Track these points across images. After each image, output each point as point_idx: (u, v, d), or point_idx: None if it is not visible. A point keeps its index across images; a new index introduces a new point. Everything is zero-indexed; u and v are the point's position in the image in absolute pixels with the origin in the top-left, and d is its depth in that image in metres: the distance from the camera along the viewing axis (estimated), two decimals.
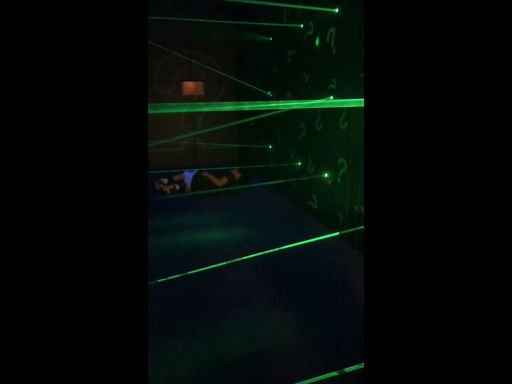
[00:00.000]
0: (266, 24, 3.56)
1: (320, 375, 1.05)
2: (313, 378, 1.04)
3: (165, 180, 3.95)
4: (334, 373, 1.01)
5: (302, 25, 2.96)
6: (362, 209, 2.33)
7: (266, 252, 1.70)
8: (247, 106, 1.01)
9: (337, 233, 2.24)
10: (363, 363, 1.09)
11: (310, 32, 2.83)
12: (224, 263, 1.90)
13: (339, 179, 2.61)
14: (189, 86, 5.31)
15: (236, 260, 2.11)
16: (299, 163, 3.35)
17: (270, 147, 4.17)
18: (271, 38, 3.74)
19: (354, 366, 0.99)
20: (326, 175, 2.81)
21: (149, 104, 0.74)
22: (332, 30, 2.50)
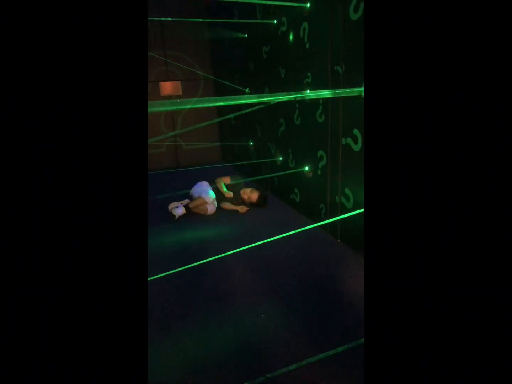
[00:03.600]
0: (240, 21, 3.57)
1: (306, 358, 1.08)
2: (299, 363, 1.07)
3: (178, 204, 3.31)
4: (319, 356, 1.06)
5: (275, 21, 2.99)
6: (343, 199, 2.38)
7: (251, 245, 1.73)
8: (244, 100, 0.99)
9: (321, 223, 2.29)
10: (345, 346, 1.13)
11: (283, 28, 2.86)
12: (210, 259, 1.91)
13: (319, 172, 2.66)
14: (167, 87, 5.26)
15: (221, 255, 2.13)
16: (280, 158, 3.39)
17: (252, 143, 4.19)
18: (246, 35, 3.75)
19: (339, 348, 1.04)
20: (306, 168, 2.85)
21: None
22: (305, 25, 2.53)
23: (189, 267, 1.80)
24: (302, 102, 2.76)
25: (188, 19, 3.85)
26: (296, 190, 3.15)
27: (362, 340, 1.17)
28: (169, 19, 3.53)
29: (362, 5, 1.88)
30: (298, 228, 1.79)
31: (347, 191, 2.33)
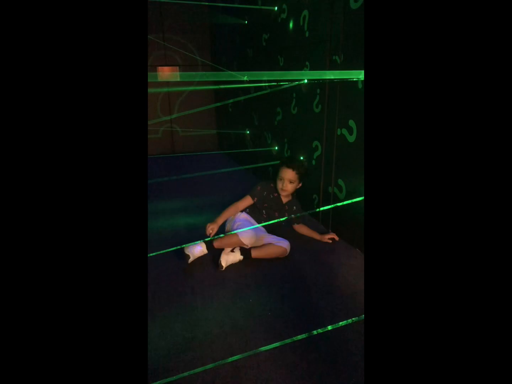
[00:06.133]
0: (240, 6, 3.52)
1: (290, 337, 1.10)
2: (280, 342, 1.09)
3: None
4: (301, 336, 1.08)
5: (276, 8, 2.95)
6: (336, 190, 2.39)
7: (239, 231, 1.73)
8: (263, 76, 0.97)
9: (311, 211, 2.29)
10: (329, 327, 1.16)
11: (284, 15, 2.83)
12: (194, 242, 1.92)
13: (313, 162, 2.66)
14: (165, 72, 5.20)
15: (207, 239, 2.14)
16: (276, 148, 3.38)
17: (248, 132, 4.18)
18: (246, 21, 3.71)
19: (319, 330, 1.06)
20: (301, 158, 2.85)
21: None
22: (305, 13, 2.50)
23: (177, 253, 1.81)
24: (299, 91, 2.75)
25: (188, 1, 3.79)
26: None
27: (341, 323, 1.20)
28: (169, 0, 3.47)
29: None
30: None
31: (340, 182, 2.34)
